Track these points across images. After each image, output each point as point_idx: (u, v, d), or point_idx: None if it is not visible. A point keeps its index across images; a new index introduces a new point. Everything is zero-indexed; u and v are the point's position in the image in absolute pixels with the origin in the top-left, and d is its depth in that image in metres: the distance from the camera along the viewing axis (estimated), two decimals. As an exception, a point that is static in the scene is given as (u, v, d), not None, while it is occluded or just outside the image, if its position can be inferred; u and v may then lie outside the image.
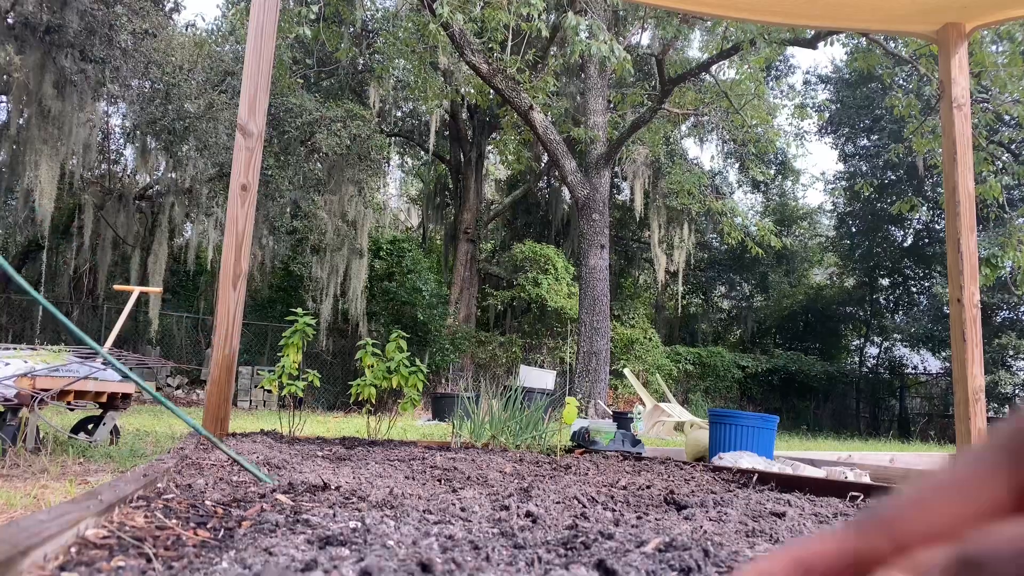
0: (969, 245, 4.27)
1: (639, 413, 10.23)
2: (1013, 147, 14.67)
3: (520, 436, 4.01)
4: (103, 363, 4.22)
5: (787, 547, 0.29)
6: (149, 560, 1.08)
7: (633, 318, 20.14)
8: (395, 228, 21.87)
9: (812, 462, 3.82)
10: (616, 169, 18.42)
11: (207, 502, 1.56)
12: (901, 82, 16.72)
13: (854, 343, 24.03)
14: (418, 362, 4.14)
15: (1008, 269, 12.15)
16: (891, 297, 23.21)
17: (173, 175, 12.99)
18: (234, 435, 3.33)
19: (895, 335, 22.53)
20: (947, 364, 20.70)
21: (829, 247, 24.70)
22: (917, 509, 0.27)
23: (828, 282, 25.27)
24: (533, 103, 11.96)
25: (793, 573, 0.27)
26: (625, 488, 2.29)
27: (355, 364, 4.26)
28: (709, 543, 1.20)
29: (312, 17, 12.31)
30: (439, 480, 2.27)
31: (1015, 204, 15.53)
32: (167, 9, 12.54)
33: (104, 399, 4.08)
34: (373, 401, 4.04)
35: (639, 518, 1.62)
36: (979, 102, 10.67)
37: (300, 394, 3.99)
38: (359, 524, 1.33)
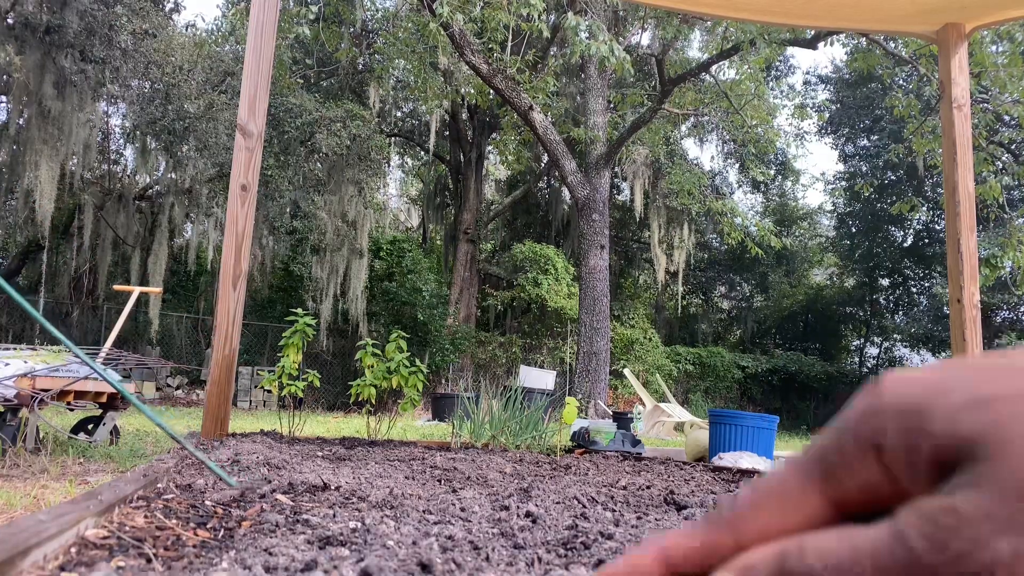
0: (969, 245, 4.27)
1: (639, 413, 10.22)
2: (1013, 147, 14.67)
3: (520, 436, 4.01)
4: (102, 362, 4.22)
5: (652, 540, 0.31)
6: (149, 560, 1.08)
7: (633, 318, 20.14)
8: (395, 228, 21.88)
9: (812, 462, 3.82)
10: (616, 169, 18.42)
11: (207, 502, 1.56)
12: (901, 82, 16.72)
13: (854, 343, 24.03)
14: (418, 362, 4.14)
15: (1008, 269, 12.15)
16: (891, 297, 23.21)
17: (173, 175, 12.99)
18: (234, 435, 3.33)
19: (895, 335, 22.54)
20: (947, 364, 20.65)
21: (829, 247, 24.71)
22: (752, 510, 0.29)
23: (828, 282, 25.28)
24: (533, 103, 11.96)
25: (658, 563, 0.30)
26: (625, 488, 2.29)
27: (355, 364, 4.26)
28: (709, 543, 1.19)
29: (312, 17, 12.32)
30: (439, 480, 2.27)
31: (1015, 204, 15.53)
32: (167, 9, 12.55)
33: (104, 399, 4.08)
34: (373, 401, 4.04)
35: (639, 518, 1.62)
36: (979, 102, 10.67)
37: (300, 394, 3.99)
38: (359, 524, 1.33)
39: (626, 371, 11.80)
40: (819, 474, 0.28)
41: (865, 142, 21.44)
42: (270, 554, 1.07)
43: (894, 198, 18.54)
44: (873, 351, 23.44)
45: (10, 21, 9.91)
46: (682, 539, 0.30)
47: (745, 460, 3.69)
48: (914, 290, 22.55)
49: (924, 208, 19.72)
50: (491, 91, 13.38)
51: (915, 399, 0.26)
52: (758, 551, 0.27)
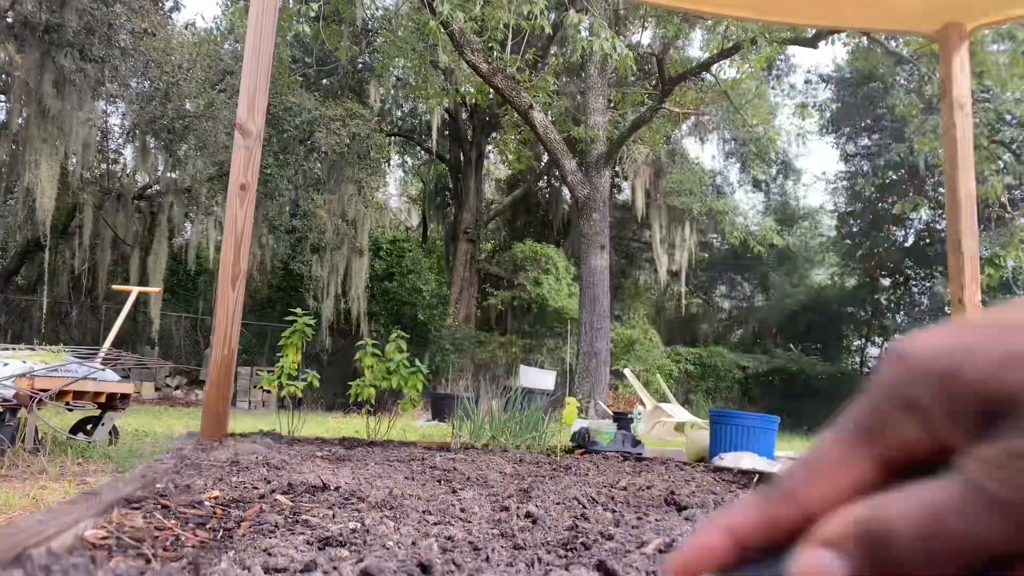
0: (971, 245, 4.26)
1: (639, 413, 10.21)
2: (1014, 147, 14.66)
3: (520, 436, 4.00)
4: (101, 362, 4.22)
5: (714, 519, 0.32)
6: (148, 561, 1.07)
7: (633, 318, 20.13)
8: (395, 228, 21.87)
9: (813, 462, 3.80)
10: (616, 169, 18.41)
11: (206, 502, 1.55)
12: (902, 81, 16.70)
13: (855, 343, 24.02)
14: (418, 362, 4.13)
15: (1010, 269, 12.14)
16: (892, 297, 23.20)
17: (172, 174, 12.99)
18: (233, 435, 3.32)
19: (896, 335, 22.52)
20: (947, 364, 20.63)
21: (830, 247, 24.69)
22: (807, 480, 0.30)
23: (829, 282, 25.27)
24: (533, 102, 11.95)
25: (726, 540, 0.31)
26: (625, 489, 2.28)
27: (355, 364, 4.25)
28: (711, 544, 1.19)
29: (312, 15, 12.30)
30: (439, 481, 2.27)
31: (1016, 204, 15.52)
32: (166, 8, 12.54)
33: (103, 399, 4.07)
34: (373, 402, 4.03)
35: (639, 519, 1.61)
36: (980, 102, 10.67)
37: (299, 394, 3.98)
38: (359, 525, 1.33)
39: (626, 371, 11.78)
40: (862, 439, 0.29)
41: (866, 141, 21.42)
42: (269, 555, 1.07)
43: (895, 197, 18.54)
44: (874, 351, 23.42)
45: (10, 20, 9.91)
46: (745, 514, 0.31)
47: (746, 460, 3.69)
48: (915, 290, 22.54)
49: (925, 207, 19.71)
50: (491, 90, 13.37)
51: (947, 359, 0.27)
52: (832, 522, 0.28)
